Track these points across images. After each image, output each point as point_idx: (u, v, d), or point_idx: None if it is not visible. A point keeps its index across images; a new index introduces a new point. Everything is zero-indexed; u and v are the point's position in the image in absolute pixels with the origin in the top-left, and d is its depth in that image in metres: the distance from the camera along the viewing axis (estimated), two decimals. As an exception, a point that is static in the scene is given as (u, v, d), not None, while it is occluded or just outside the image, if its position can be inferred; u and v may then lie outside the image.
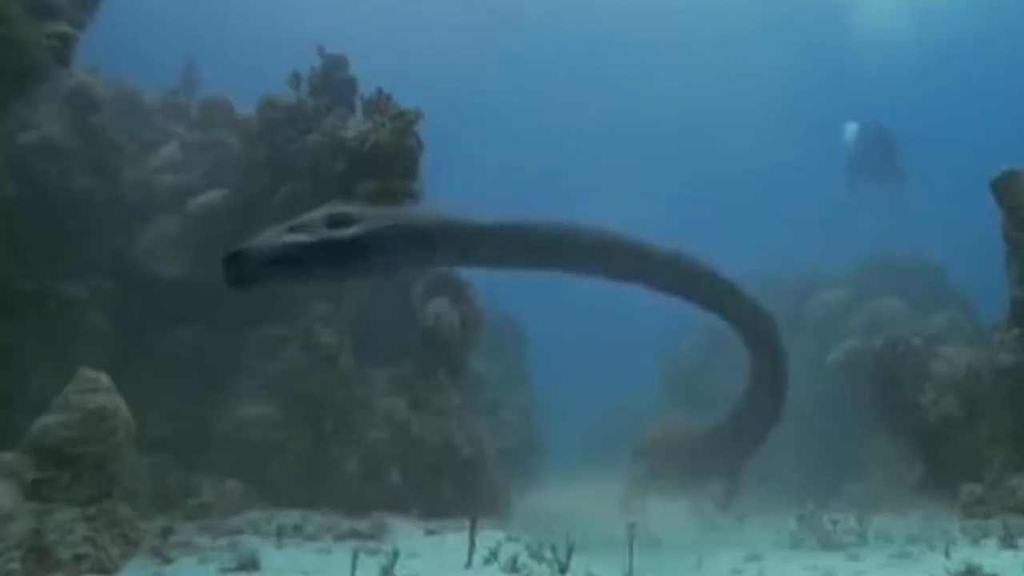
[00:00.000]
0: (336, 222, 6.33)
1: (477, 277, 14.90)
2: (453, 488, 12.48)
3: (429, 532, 9.85)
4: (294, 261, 6.23)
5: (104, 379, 6.75)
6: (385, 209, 6.66)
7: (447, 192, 15.54)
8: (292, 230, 6.27)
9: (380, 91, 12.40)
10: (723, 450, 13.02)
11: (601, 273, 9.06)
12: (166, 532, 7.90)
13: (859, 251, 23.24)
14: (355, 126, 12.41)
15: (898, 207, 24.02)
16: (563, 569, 6.72)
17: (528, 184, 37.79)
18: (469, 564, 7.19)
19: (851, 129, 23.23)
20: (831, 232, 27.07)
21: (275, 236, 6.28)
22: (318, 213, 6.41)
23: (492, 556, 7.29)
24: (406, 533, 9.54)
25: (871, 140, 22.63)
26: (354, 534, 8.96)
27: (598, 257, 8.64)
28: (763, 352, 11.76)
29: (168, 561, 7.00)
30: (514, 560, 7.06)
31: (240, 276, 6.31)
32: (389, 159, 11.99)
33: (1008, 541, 8.19)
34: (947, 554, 7.49)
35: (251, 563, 6.82)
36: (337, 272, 6.60)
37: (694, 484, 12.72)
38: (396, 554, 6.69)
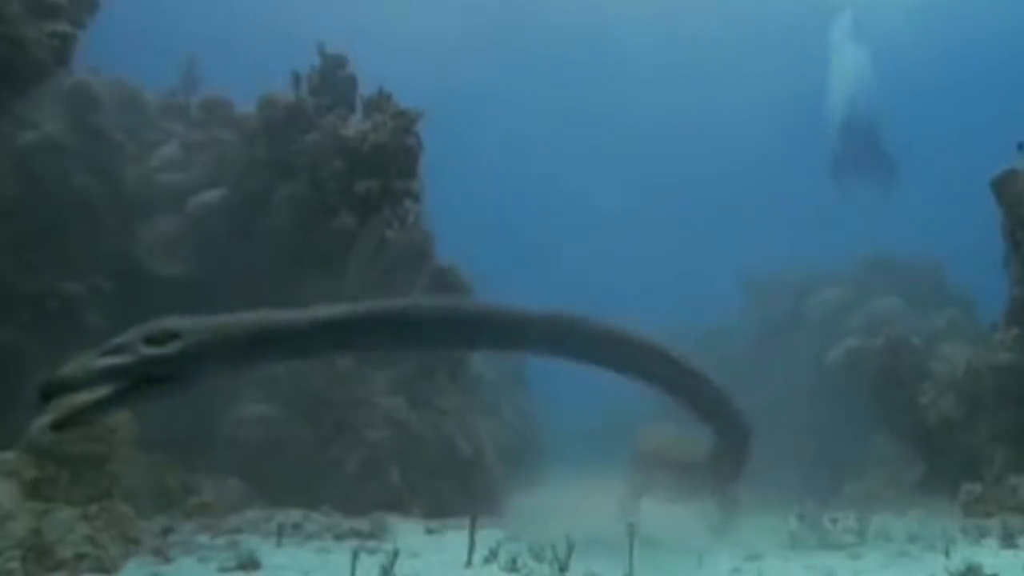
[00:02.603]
0: (155, 339, 5.73)
1: (477, 278, 14.93)
2: (453, 488, 12.50)
3: (429, 531, 9.84)
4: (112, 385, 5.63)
5: (104, 378, 6.73)
6: (208, 319, 6.23)
7: (446, 190, 15.55)
8: (106, 353, 5.65)
9: (380, 90, 12.44)
10: (717, 471, 12.78)
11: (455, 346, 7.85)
12: (166, 531, 7.89)
13: (859, 250, 23.17)
14: (355, 125, 12.43)
15: (890, 202, 23.52)
16: (563, 568, 6.70)
17: (527, 182, 37.93)
18: (469, 563, 7.18)
19: (836, 115, 22.68)
20: (831, 231, 27.02)
21: (87, 361, 5.61)
22: (133, 332, 5.75)
23: (492, 555, 7.28)
24: (406, 532, 9.52)
25: (859, 132, 22.13)
26: (354, 533, 8.93)
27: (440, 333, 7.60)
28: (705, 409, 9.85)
29: (168, 560, 6.98)
30: (514, 559, 7.05)
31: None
32: (389, 158, 12.02)
33: (1008, 540, 8.19)
34: (947, 553, 7.47)
35: (251, 562, 6.80)
36: (167, 390, 6.14)
37: (691, 490, 12.64)
38: (396, 553, 6.67)
